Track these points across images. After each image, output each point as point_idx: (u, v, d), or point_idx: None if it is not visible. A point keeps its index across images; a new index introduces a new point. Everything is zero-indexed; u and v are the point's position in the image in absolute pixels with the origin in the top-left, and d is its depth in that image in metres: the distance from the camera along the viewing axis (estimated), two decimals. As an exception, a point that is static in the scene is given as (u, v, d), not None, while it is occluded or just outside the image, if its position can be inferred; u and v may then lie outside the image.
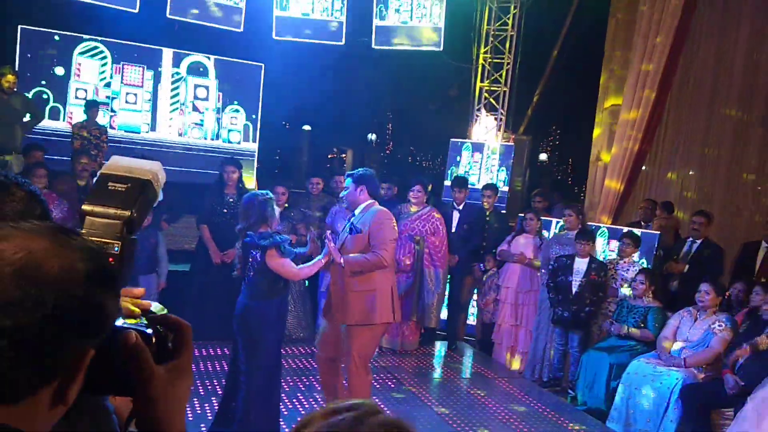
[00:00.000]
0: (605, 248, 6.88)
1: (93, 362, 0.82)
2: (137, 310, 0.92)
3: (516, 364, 6.86)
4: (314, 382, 5.48)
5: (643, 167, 8.86)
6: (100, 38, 9.30)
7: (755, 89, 9.38)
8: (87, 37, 9.25)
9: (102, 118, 8.83)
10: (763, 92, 9.40)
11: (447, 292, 7.21)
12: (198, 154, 9.76)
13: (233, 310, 4.19)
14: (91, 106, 8.31)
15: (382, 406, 0.90)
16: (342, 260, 4.16)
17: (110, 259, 0.87)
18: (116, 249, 0.87)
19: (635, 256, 6.32)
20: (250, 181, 9.83)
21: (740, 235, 9.05)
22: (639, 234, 6.49)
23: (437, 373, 6.58)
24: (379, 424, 0.84)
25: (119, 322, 0.88)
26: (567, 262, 6.19)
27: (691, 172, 9.92)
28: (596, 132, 9.23)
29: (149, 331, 0.88)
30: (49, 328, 0.75)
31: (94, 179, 0.93)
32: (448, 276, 7.11)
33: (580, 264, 6.14)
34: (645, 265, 6.25)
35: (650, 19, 7.71)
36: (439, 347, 7.25)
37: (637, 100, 7.81)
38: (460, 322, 7.37)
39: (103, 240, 0.87)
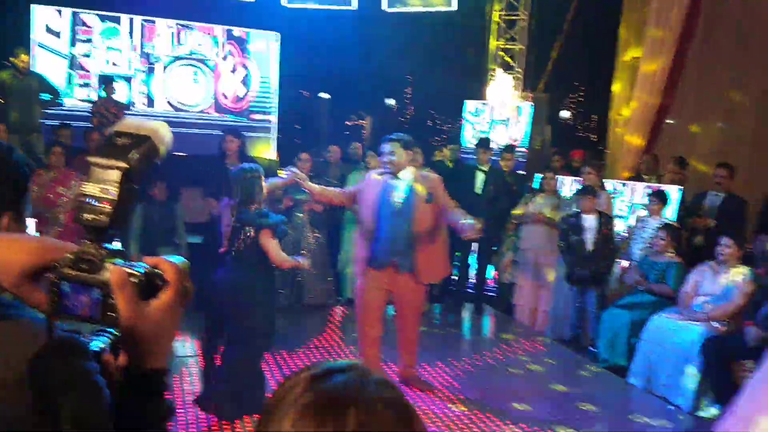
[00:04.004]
0: (629, 205, 6.78)
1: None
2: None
3: (537, 324, 6.85)
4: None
5: (667, 120, 8.64)
6: (110, 13, 9.25)
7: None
8: (99, 13, 9.22)
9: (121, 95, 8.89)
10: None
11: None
12: (214, 125, 9.72)
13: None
14: (106, 82, 8.35)
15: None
16: None
17: (106, 203, 0.93)
18: (112, 193, 0.94)
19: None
20: (267, 149, 9.84)
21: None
22: (666, 191, 6.37)
23: (459, 334, 6.61)
24: (377, 383, 0.78)
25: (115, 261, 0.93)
26: (575, 220, 6.13)
27: (719, 124, 9.63)
28: (616, 86, 9.01)
29: (136, 270, 0.93)
30: None
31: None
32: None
33: (589, 221, 6.08)
34: (667, 221, 6.15)
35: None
36: (463, 307, 7.27)
37: (658, 49, 7.59)
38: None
39: (103, 186, 0.94)
